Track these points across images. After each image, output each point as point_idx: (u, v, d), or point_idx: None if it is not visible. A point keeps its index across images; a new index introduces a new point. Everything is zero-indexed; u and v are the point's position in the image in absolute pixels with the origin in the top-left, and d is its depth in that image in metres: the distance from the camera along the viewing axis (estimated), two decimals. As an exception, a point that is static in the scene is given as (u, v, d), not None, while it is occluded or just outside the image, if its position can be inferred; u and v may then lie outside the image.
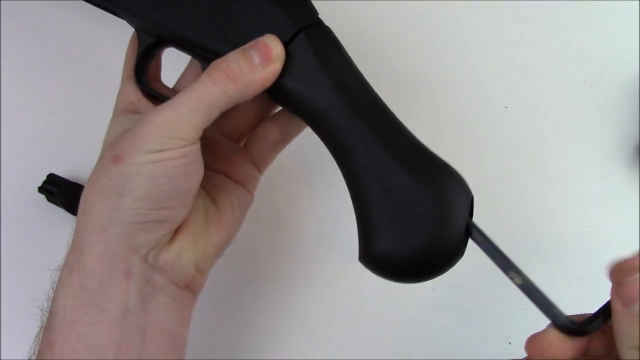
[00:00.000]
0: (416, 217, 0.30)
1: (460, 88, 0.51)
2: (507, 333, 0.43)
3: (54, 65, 0.51)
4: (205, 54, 0.34)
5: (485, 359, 0.42)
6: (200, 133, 0.32)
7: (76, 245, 0.32)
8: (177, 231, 0.33)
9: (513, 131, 0.49)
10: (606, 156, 0.48)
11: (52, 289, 0.32)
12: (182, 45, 0.35)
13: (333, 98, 0.32)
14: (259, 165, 0.39)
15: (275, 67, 0.32)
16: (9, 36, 0.52)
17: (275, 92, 0.33)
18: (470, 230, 0.31)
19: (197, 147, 0.32)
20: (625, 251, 0.45)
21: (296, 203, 0.48)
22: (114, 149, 0.32)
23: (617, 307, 0.25)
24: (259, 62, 0.31)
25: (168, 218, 0.32)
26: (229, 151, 0.38)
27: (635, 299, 0.24)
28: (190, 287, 0.34)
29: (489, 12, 0.52)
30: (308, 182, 0.47)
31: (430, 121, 0.50)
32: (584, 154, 0.48)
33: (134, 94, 0.36)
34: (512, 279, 0.29)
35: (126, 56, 0.37)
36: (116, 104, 0.36)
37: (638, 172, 0.47)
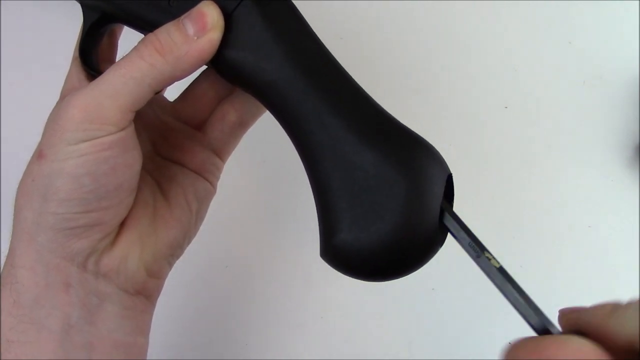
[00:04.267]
0: (380, 200, 0.26)
1: (460, 88, 0.50)
2: (507, 333, 0.42)
3: (54, 64, 0.51)
4: (150, 29, 0.30)
5: (486, 359, 0.42)
6: (131, 116, 0.28)
7: (9, 257, 0.29)
8: (120, 231, 0.30)
9: (513, 131, 0.49)
10: (606, 156, 0.48)
11: None
12: (128, 20, 0.31)
13: (284, 67, 0.28)
14: (220, 152, 0.35)
15: (211, 36, 0.28)
16: (9, 36, 0.52)
17: (221, 66, 0.29)
18: (442, 216, 0.26)
19: (127, 133, 0.28)
20: (625, 251, 0.46)
21: (296, 203, 0.48)
22: (39, 144, 0.28)
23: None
24: (194, 32, 0.28)
25: (100, 220, 0.28)
26: (185, 138, 0.35)
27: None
28: (143, 293, 0.31)
29: (488, 12, 0.52)
30: (307, 181, 0.47)
31: (430, 121, 0.50)
32: (584, 154, 0.48)
33: (77, 77, 0.32)
34: (488, 259, 0.25)
35: (78, 36, 0.33)
36: (62, 90, 0.32)
37: (638, 172, 0.47)
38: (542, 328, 0.23)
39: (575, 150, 0.49)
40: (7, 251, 0.29)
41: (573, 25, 0.52)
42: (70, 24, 0.52)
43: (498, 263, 0.25)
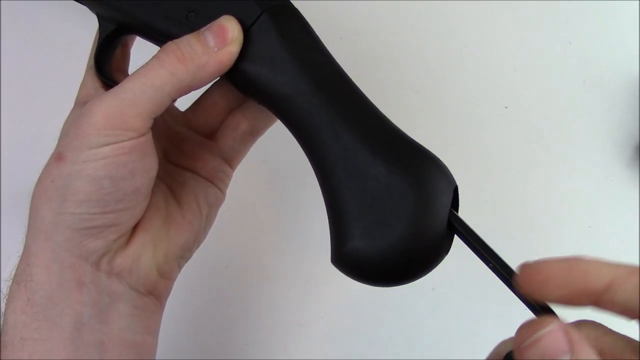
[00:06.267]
0: (391, 209, 0.27)
1: (460, 88, 0.51)
2: (508, 333, 0.42)
3: (55, 64, 0.51)
4: (166, 41, 0.31)
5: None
6: (150, 123, 0.29)
7: (24, 255, 0.30)
8: (134, 232, 0.31)
9: (513, 131, 0.49)
10: (606, 156, 0.48)
11: (4, 302, 0.30)
12: (144, 32, 0.32)
13: (298, 82, 0.29)
14: (230, 160, 0.37)
15: (231, 49, 0.29)
16: (9, 36, 0.52)
17: (237, 79, 0.31)
18: (454, 227, 0.28)
19: (146, 139, 0.29)
20: (625, 251, 0.46)
21: (295, 203, 0.48)
22: (58, 146, 0.30)
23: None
24: (214, 44, 0.29)
25: (116, 222, 0.29)
26: (196, 146, 0.36)
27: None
28: (153, 293, 0.32)
29: (488, 12, 0.52)
30: (307, 182, 0.47)
31: (430, 121, 0.50)
32: (584, 154, 0.48)
33: (92, 85, 0.33)
34: (497, 270, 0.26)
35: (92, 46, 0.34)
36: (76, 97, 0.34)
37: (638, 172, 0.47)
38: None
39: (575, 150, 0.49)
40: (22, 250, 0.30)
41: (573, 25, 0.52)
42: (71, 24, 0.52)
43: (509, 269, 0.26)
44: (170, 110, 0.36)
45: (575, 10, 0.52)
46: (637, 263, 0.43)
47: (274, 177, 0.48)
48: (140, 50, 0.35)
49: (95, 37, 0.34)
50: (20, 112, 0.50)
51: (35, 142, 0.50)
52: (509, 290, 0.26)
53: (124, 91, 0.28)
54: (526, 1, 0.52)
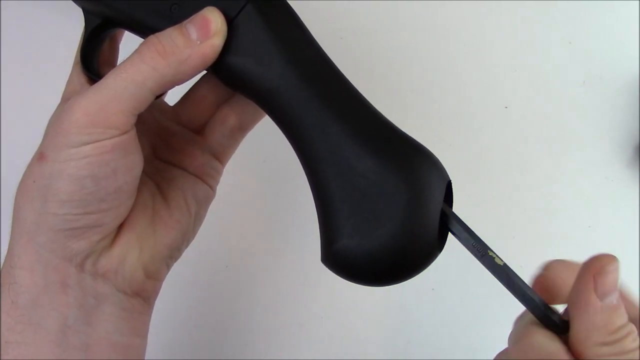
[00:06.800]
0: (381, 206, 0.26)
1: (460, 88, 0.50)
2: (507, 333, 0.43)
3: (55, 64, 0.51)
4: (151, 34, 0.29)
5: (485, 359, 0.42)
6: (133, 120, 0.28)
7: (7, 257, 0.29)
8: (119, 232, 0.30)
9: (513, 131, 0.49)
10: (606, 156, 0.48)
11: None
12: (129, 25, 0.32)
13: (285, 74, 0.28)
14: (219, 156, 0.36)
15: (214, 41, 0.28)
16: (9, 36, 0.52)
17: (222, 72, 0.30)
18: (446, 219, 0.27)
19: (129, 137, 0.28)
20: (625, 251, 0.46)
21: (296, 202, 0.48)
22: (40, 145, 0.29)
23: (590, 300, 0.23)
24: (197, 36, 0.28)
25: (99, 222, 0.28)
26: (184, 142, 0.35)
27: (612, 290, 0.23)
28: (140, 294, 0.31)
29: (488, 12, 0.52)
30: (307, 181, 0.47)
31: (430, 121, 0.50)
32: (584, 154, 0.48)
33: (78, 81, 0.32)
34: (493, 258, 0.25)
35: (79, 41, 0.33)
36: (63, 93, 0.33)
37: (638, 172, 0.47)
38: (547, 319, 0.24)
39: (575, 150, 0.49)
40: (6, 252, 0.29)
41: (573, 25, 0.52)
42: (70, 24, 0.52)
43: (502, 261, 0.25)
44: (159, 104, 0.35)
45: (575, 10, 0.52)
46: (637, 263, 0.43)
47: (274, 176, 0.48)
48: (133, 44, 0.34)
49: (82, 32, 0.33)
50: (20, 112, 0.50)
51: (35, 142, 0.50)
52: (507, 290, 0.26)
53: (105, 87, 0.27)
54: (526, 1, 0.52)
